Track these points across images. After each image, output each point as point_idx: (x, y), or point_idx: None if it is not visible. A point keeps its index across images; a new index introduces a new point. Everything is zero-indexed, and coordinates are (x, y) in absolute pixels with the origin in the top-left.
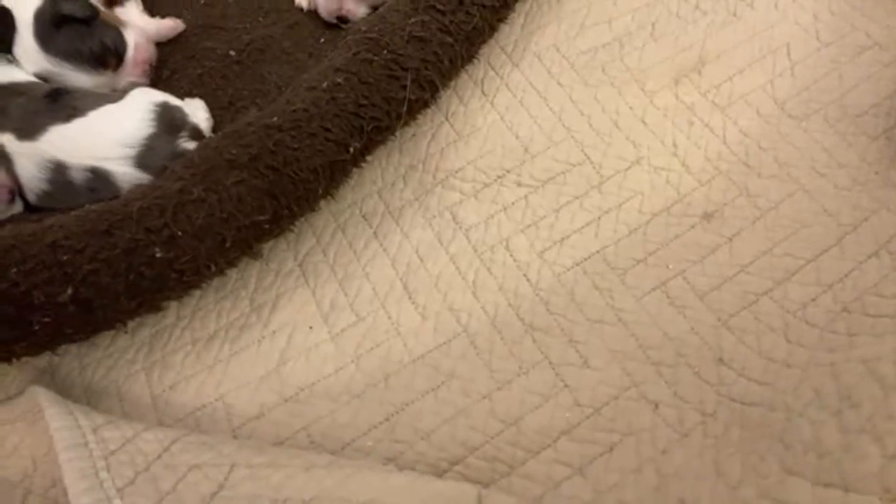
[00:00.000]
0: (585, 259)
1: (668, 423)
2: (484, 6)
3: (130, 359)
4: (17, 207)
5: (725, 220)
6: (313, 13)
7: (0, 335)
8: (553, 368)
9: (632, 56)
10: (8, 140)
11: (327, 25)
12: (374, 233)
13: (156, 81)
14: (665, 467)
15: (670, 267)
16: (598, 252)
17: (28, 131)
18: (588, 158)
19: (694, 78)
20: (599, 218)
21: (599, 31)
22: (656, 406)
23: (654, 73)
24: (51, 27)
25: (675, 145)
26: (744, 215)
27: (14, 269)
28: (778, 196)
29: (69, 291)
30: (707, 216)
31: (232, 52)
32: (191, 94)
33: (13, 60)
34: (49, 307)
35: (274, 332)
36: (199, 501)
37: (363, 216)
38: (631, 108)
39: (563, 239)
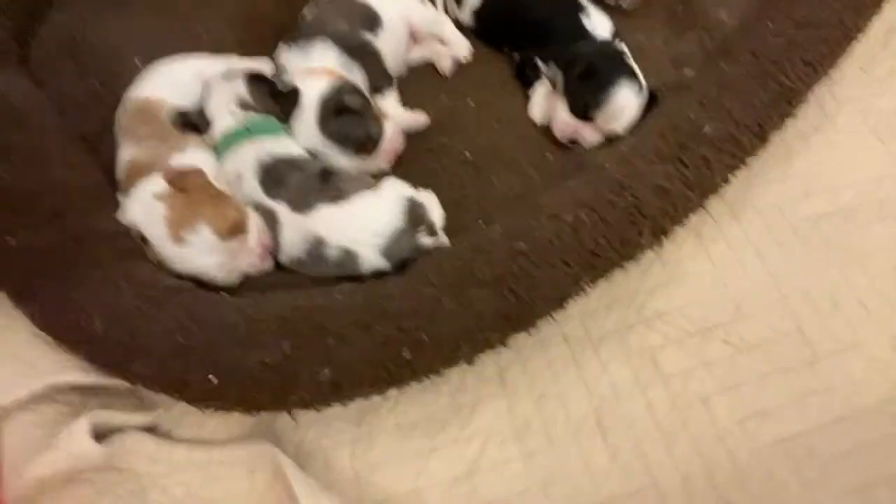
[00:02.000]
0: (788, 439)
1: None
2: (725, 163)
3: (339, 428)
4: (269, 264)
5: None
6: (545, 128)
7: (260, 398)
8: None
9: (855, 233)
10: (282, 209)
11: (556, 143)
12: (573, 357)
13: (395, 167)
14: None
15: (876, 470)
16: (801, 435)
17: (300, 205)
18: (801, 331)
19: None
20: (807, 398)
21: (825, 200)
22: None
23: (878, 255)
24: (332, 113)
25: (895, 336)
26: None
27: (286, 342)
28: None
29: (327, 372)
30: None
31: (467, 153)
32: (424, 186)
33: (288, 130)
34: (308, 383)
35: (469, 437)
36: None
37: (563, 337)
38: (851, 288)
39: (765, 411)
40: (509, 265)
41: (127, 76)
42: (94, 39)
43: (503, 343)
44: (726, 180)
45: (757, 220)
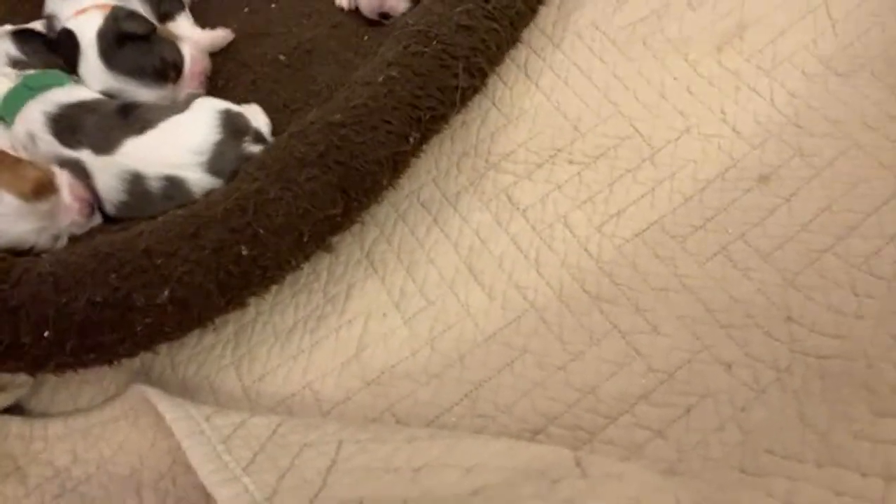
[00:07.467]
0: (644, 230)
1: (743, 382)
2: None
3: (219, 354)
4: (97, 220)
5: (782, 182)
6: (354, 12)
7: (105, 338)
8: (623, 337)
9: (671, 27)
10: (86, 156)
11: (370, 23)
12: (434, 219)
13: (211, 91)
14: (747, 423)
15: (730, 231)
16: (655, 222)
17: (104, 146)
18: (637, 132)
19: (736, 44)
20: (654, 189)
21: (636, 5)
22: (729, 367)
23: (695, 42)
24: (114, 45)
25: (723, 112)
26: (800, 175)
27: (113, 275)
28: (832, 153)
29: (166, 293)
30: (763, 179)
31: (281, 57)
32: (246, 100)
33: (78, 80)
34: (149, 308)
35: (350, 321)
36: (316, 475)
37: (422, 204)
38: (676, 78)
39: (619, 212)
40: (330, 139)
41: None
42: None
43: (352, 220)
44: (534, 9)
45: (577, 43)
